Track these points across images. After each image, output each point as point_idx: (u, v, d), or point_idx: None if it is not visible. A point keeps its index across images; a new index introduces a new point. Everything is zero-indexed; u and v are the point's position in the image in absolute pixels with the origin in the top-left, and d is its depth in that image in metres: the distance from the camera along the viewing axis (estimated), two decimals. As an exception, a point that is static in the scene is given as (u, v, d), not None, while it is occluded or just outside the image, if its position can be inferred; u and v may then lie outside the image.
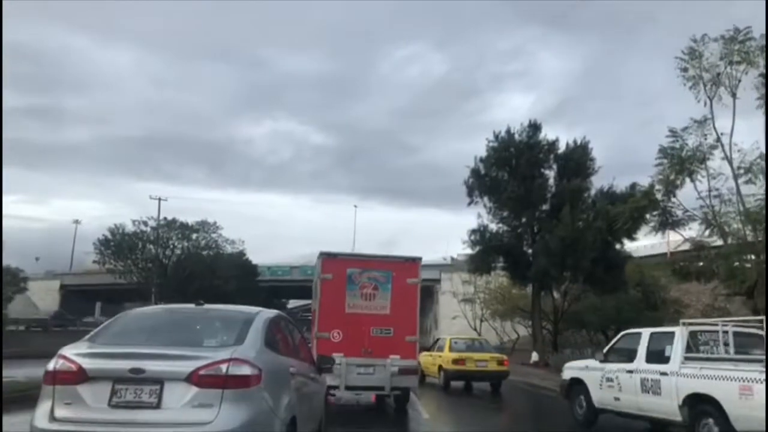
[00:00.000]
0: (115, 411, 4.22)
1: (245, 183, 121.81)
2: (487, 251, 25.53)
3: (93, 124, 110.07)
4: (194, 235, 45.19)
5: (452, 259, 56.80)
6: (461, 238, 26.45)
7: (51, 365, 4.40)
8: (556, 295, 30.35)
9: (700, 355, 8.55)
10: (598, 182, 24.38)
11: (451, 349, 17.31)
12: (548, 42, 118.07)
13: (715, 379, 8.02)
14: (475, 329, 38.87)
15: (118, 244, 42.76)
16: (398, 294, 10.92)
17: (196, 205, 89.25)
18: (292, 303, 73.52)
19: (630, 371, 9.63)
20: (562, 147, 24.56)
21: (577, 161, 23.68)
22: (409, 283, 11.03)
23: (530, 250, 25.45)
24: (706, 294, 45.99)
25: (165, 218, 45.27)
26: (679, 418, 8.51)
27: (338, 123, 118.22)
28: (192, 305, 5.48)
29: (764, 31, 14.39)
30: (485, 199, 26.24)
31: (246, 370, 4.38)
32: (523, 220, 24.83)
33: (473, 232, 26.15)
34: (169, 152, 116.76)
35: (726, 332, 8.28)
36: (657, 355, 9.25)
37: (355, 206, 75.35)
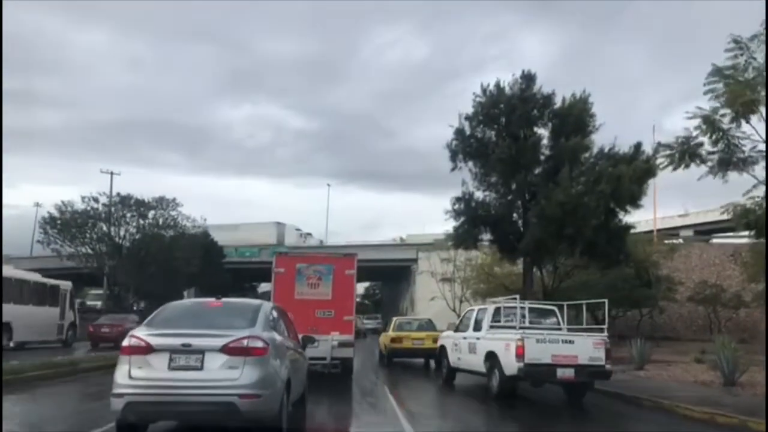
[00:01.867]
0: (173, 372, 6.12)
1: (224, 167, 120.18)
2: (472, 222, 22.57)
3: (66, 107, 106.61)
4: (151, 213, 41.36)
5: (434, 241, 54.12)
6: (444, 208, 23.47)
7: (126, 342, 6.34)
8: (543, 272, 27.73)
9: (499, 324, 12.27)
10: (598, 143, 21.53)
11: (393, 329, 19.77)
12: (530, 26, 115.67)
13: (497, 340, 11.43)
14: (455, 310, 36.16)
15: (66, 223, 38.80)
16: (338, 283, 13.52)
17: (172, 188, 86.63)
18: (264, 287, 70.17)
19: (465, 338, 13.10)
20: (558, 102, 21.59)
21: (576, 117, 20.76)
22: (347, 274, 13.69)
23: (521, 220, 22.59)
24: (696, 272, 44.21)
25: (118, 194, 41.44)
26: (483, 369, 11.76)
27: (319, 107, 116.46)
28: (213, 299, 7.45)
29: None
30: (470, 163, 23.25)
31: (259, 344, 6.31)
32: (514, 186, 21.88)
33: (457, 200, 23.15)
34: (146, 136, 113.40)
35: (523, 308, 11.69)
36: (477, 325, 12.80)
37: (329, 185, 73.25)
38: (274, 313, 7.54)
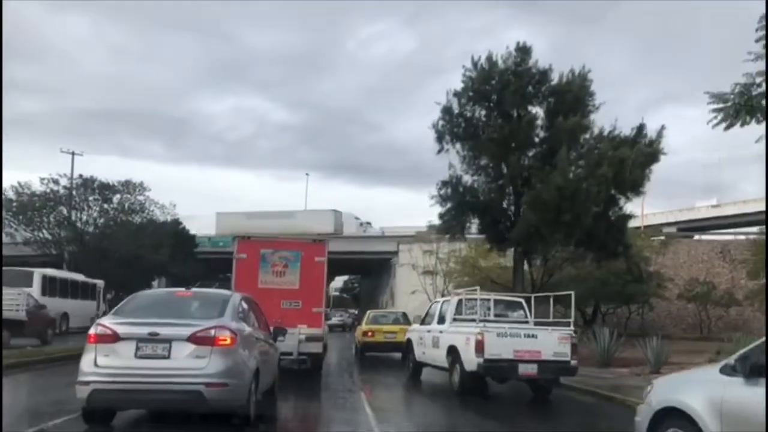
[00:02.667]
0: (140, 360, 6.20)
1: (205, 158, 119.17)
2: (460, 208, 20.68)
3: (46, 94, 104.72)
4: (116, 197, 38.84)
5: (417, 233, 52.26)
6: (429, 193, 21.54)
7: (92, 330, 6.45)
8: (532, 265, 26.01)
9: (461, 317, 11.67)
10: (597, 124, 19.72)
11: (366, 322, 19.28)
12: (518, 21, 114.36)
13: (458, 334, 11.01)
14: (436, 304, 34.34)
15: (22, 206, 36.13)
16: (306, 271, 12.38)
17: (153, 178, 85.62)
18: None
19: (429, 331, 12.64)
20: (555, 78, 19.73)
21: (575, 95, 18.92)
22: (317, 261, 12.52)
23: (513, 207, 20.75)
24: (684, 269, 42.97)
25: (80, 176, 38.83)
26: (446, 364, 11.30)
27: (303, 100, 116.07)
28: (183, 289, 7.72)
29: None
30: (458, 145, 21.34)
31: (227, 334, 6.36)
32: (506, 169, 20.00)
33: (443, 184, 21.24)
34: (127, 126, 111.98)
35: (487, 300, 12.05)
36: (441, 318, 12.29)
37: (307, 174, 71.09)
38: (244, 304, 7.60)
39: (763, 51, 7.97)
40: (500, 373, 10.61)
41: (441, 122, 21.28)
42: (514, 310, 12.69)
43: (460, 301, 12.17)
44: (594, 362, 15.98)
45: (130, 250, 38.75)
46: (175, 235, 47.36)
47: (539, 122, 19.59)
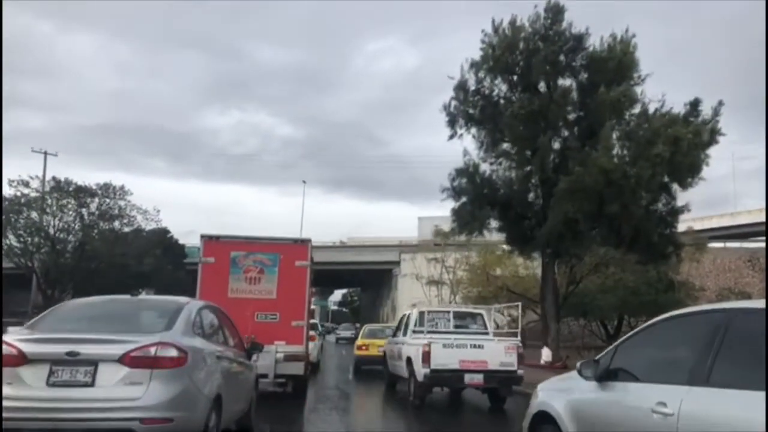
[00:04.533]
0: (53, 389, 4.72)
1: (209, 174, 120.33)
2: (478, 201, 17.43)
3: (50, 110, 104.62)
4: (93, 201, 35.51)
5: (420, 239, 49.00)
6: (440, 186, 18.29)
7: None
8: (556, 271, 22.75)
9: (417, 329, 12.27)
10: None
11: (362, 336, 19.16)
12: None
13: (413, 345, 11.27)
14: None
15: (-11, 211, 32.75)
16: (286, 277, 10.80)
17: (155, 193, 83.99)
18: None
19: (396, 343, 13.11)
20: (595, 44, 16.52)
21: (618, 62, 15.70)
22: (298, 266, 10.92)
23: (541, 201, 17.50)
24: (710, 278, 39.67)
25: (54, 177, 35.52)
26: (406, 374, 11.49)
27: (308, 115, 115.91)
28: (128, 296, 6.15)
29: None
30: (474, 130, 18.16)
31: (173, 353, 4.93)
32: (531, 155, 16.73)
33: (458, 174, 18.00)
34: (131, 142, 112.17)
35: (449, 312, 12.92)
36: (405, 330, 12.95)
37: (304, 182, 68.01)
38: (207, 315, 6.23)
39: None
40: (446, 383, 10.95)
41: (454, 102, 18.11)
42: (474, 321, 13.09)
43: (421, 314, 12.69)
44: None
45: (111, 260, 35.42)
46: (162, 244, 44.09)
47: (574, 95, 16.32)
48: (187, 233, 47.33)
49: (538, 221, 17.77)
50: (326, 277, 66.55)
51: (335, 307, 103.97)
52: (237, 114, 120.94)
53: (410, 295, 39.56)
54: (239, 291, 10.60)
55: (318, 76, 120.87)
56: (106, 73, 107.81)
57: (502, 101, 17.43)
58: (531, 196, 17.97)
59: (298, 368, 10.61)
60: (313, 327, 17.17)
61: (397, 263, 47.67)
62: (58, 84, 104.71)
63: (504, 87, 17.41)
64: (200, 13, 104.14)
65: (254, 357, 8.18)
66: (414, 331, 12.27)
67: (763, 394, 2.78)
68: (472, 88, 17.69)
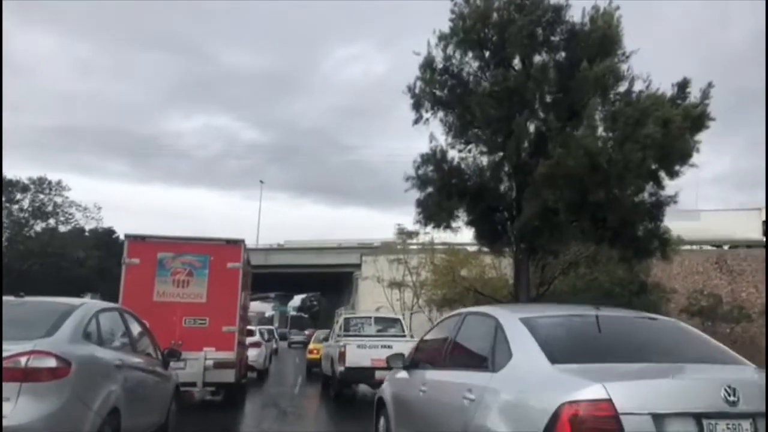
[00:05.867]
0: None
1: (171, 178, 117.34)
2: (446, 189, 15.59)
3: (6, 110, 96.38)
4: (25, 197, 32.50)
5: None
6: (404, 174, 16.40)
7: None
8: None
9: (341, 333, 14.35)
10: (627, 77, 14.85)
11: (314, 341, 20.84)
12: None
13: (334, 347, 13.33)
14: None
15: None
16: (216, 280, 10.49)
17: (116, 197, 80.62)
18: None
19: (327, 346, 15.04)
20: (575, 16, 14.87)
21: (601, 36, 14.06)
22: (230, 268, 10.64)
23: (515, 192, 15.77)
24: (678, 280, 38.83)
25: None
26: (331, 373, 13.49)
27: (274, 120, 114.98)
28: (11, 297, 5.48)
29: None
30: (442, 114, 16.36)
31: (50, 363, 4.41)
32: (505, 138, 14.92)
33: (423, 161, 16.14)
34: (91, 144, 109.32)
35: (371, 318, 15.26)
36: (333, 335, 15.17)
37: (262, 182, 65.79)
38: (106, 319, 5.68)
39: None
40: (360, 379, 12.16)
41: (419, 83, 16.22)
42: (392, 326, 14.90)
43: (346, 320, 14.70)
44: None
45: (46, 260, 32.50)
46: (106, 245, 41.03)
47: (553, 73, 14.60)
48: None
49: (511, 214, 16.03)
50: (283, 282, 64.05)
51: (294, 313, 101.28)
52: (202, 117, 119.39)
53: (371, 298, 37.85)
54: (166, 294, 10.28)
55: (285, 80, 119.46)
56: (65, 72, 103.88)
57: (472, 80, 15.66)
58: (503, 186, 16.22)
59: (228, 376, 10.25)
60: (251, 333, 16.40)
61: (359, 266, 45.70)
62: (14, 82, 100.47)
63: (475, 64, 15.62)
64: (165, 13, 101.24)
65: (181, 365, 8.31)
66: (338, 336, 14.14)
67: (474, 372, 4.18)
68: (440, 65, 15.85)
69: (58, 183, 34.11)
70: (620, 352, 3.90)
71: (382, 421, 5.95)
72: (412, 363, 5.51)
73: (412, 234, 32.70)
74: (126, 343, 6.03)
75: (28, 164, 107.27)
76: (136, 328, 6.55)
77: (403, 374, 5.57)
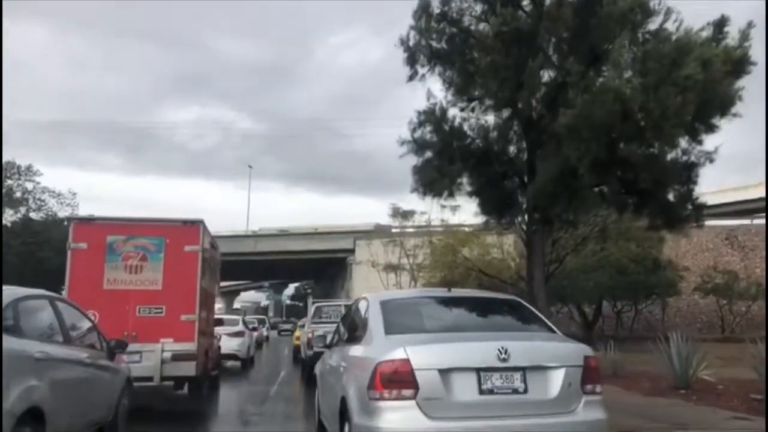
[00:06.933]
0: None
1: (166, 169, 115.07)
2: (447, 152, 13.59)
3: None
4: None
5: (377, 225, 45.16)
6: (399, 138, 14.38)
7: None
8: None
9: (314, 320, 15.78)
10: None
11: (299, 329, 21.24)
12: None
13: (306, 333, 15.22)
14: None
15: None
16: (173, 265, 9.73)
17: (110, 190, 79.19)
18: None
19: (304, 333, 16.10)
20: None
21: (626, -34, 11.97)
22: (187, 251, 9.85)
23: (526, 153, 13.80)
24: (688, 257, 37.02)
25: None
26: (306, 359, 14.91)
27: (269, 109, 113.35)
28: None
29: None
30: (439, 68, 14.33)
31: None
32: (516, 89, 12.86)
33: (421, 121, 14.13)
34: (85, 137, 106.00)
35: (340, 305, 15.61)
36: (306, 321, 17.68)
37: (250, 166, 63.93)
38: (28, 307, 5.22)
39: None
40: None
41: (413, 33, 14.16)
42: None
43: (317, 308, 16.16)
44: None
45: (18, 250, 30.37)
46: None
47: (568, 14, 12.51)
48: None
49: (522, 180, 14.07)
50: (276, 270, 62.12)
51: (289, 302, 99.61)
52: (196, 109, 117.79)
53: (366, 284, 36.03)
54: (117, 282, 9.55)
55: (279, 69, 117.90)
56: (58, 66, 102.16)
57: (474, 27, 13.62)
58: (513, 149, 14.25)
59: (188, 369, 9.53)
60: (219, 322, 15.80)
61: (352, 251, 43.84)
62: (7, 78, 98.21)
63: (478, 8, 13.55)
64: (158, 5, 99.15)
65: (137, 358, 8.46)
66: (311, 323, 15.40)
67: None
68: (437, 11, 13.78)
69: (28, 168, 31.94)
70: (442, 325, 4.91)
71: (317, 392, 7.04)
72: (331, 342, 6.57)
73: (407, 214, 30.87)
74: (54, 333, 5.61)
75: (23, 159, 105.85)
76: (71, 318, 6.13)
77: (327, 352, 6.58)
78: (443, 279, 25.39)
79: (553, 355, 4.35)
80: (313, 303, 15.97)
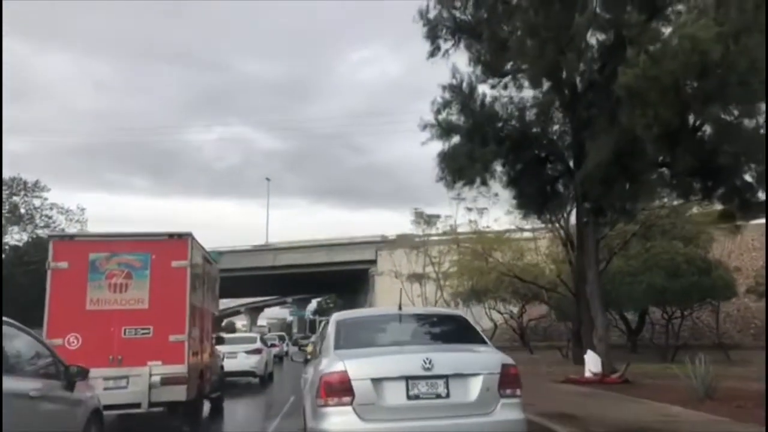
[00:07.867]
0: None
1: (191, 190, 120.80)
2: (479, 135, 11.66)
3: (28, 133, 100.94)
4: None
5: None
6: (420, 121, 12.51)
7: None
8: (570, 246, 17.11)
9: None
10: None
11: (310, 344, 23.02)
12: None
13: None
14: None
15: None
16: (160, 282, 9.11)
17: (136, 212, 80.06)
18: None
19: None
20: None
21: None
22: (175, 267, 9.21)
23: (570, 136, 11.82)
24: (733, 257, 34.35)
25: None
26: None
27: (291, 126, 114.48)
28: None
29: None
30: (464, 44, 12.49)
31: None
32: (560, 55, 10.89)
33: (447, 101, 12.25)
34: (112, 160, 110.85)
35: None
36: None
37: (268, 179, 62.20)
38: None
39: None
40: None
41: (434, 3, 12.39)
42: None
43: (325, 324, 16.32)
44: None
45: (28, 269, 28.97)
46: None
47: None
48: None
49: (567, 166, 12.08)
50: (297, 284, 60.51)
51: (312, 317, 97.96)
52: (219, 129, 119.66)
53: (389, 296, 33.87)
54: (101, 302, 9.03)
55: (300, 86, 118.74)
56: (84, 91, 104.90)
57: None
58: (555, 129, 12.28)
59: (179, 393, 8.83)
60: (220, 341, 14.47)
61: (374, 261, 41.92)
62: (36, 105, 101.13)
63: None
64: (180, 27, 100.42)
65: (123, 384, 8.25)
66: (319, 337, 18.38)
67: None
68: (462, -27, 11.97)
69: (35, 184, 30.57)
70: (382, 340, 5.55)
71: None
72: (309, 358, 7.46)
73: (431, 218, 28.91)
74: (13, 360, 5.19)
75: (52, 183, 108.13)
76: (18, 343, 5.49)
77: (305, 367, 7.31)
78: (472, 288, 23.35)
79: (473, 364, 4.84)
80: (319, 320, 15.27)
